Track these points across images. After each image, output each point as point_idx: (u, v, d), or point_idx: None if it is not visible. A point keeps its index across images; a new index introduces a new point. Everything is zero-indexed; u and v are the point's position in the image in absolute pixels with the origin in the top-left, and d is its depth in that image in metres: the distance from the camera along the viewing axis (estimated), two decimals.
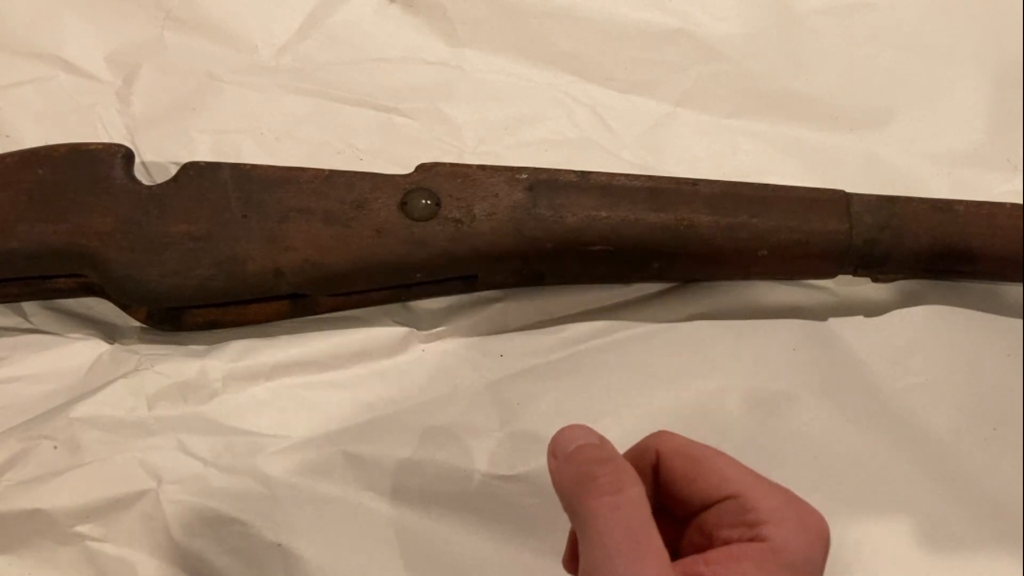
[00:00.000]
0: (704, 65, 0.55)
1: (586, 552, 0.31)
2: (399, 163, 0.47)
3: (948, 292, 0.49)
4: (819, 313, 0.49)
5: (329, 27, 0.55)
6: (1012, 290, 0.49)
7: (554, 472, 0.33)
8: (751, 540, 0.31)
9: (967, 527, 0.44)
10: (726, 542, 0.31)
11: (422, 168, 0.46)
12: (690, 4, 0.56)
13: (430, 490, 0.44)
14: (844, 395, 0.47)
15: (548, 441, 0.45)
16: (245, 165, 0.45)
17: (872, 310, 0.49)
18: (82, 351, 0.47)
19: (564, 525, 0.43)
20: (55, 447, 0.44)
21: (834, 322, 0.49)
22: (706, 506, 0.32)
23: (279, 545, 0.43)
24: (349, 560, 0.43)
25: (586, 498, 0.31)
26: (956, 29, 0.56)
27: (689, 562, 0.31)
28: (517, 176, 0.46)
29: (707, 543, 0.32)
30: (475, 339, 0.48)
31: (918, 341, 0.48)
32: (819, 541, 0.32)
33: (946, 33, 0.56)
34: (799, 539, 0.31)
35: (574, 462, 0.33)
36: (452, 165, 0.46)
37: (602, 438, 0.34)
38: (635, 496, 0.31)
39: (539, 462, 0.45)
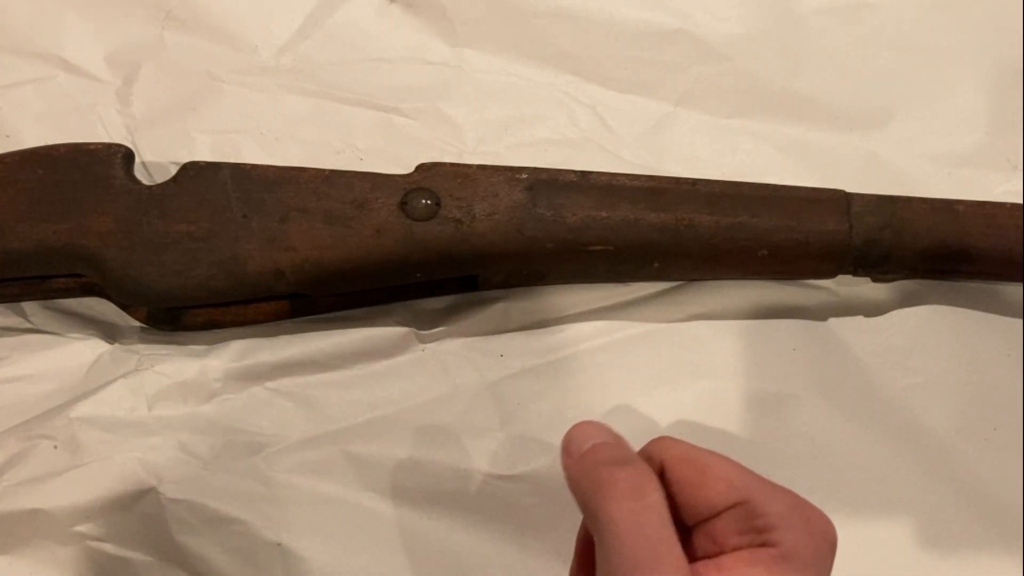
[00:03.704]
0: (704, 65, 0.55)
1: (604, 557, 0.30)
2: (399, 163, 0.47)
3: (948, 292, 0.49)
4: (819, 313, 0.49)
5: (329, 27, 0.55)
6: (1012, 290, 0.49)
7: (569, 471, 0.33)
8: (761, 546, 0.31)
9: (967, 527, 0.44)
10: (736, 548, 0.31)
11: (422, 168, 0.46)
12: (690, 4, 0.56)
13: (430, 490, 0.44)
14: (844, 395, 0.47)
15: (548, 441, 0.45)
16: (245, 165, 0.45)
17: (872, 310, 0.49)
18: (82, 351, 0.47)
19: (564, 525, 0.43)
20: (55, 447, 0.44)
21: (834, 322, 0.49)
22: (714, 513, 0.32)
23: (279, 545, 0.43)
24: (349, 560, 0.43)
25: (606, 503, 0.30)
26: (956, 29, 0.56)
27: (701, 567, 0.31)
28: (517, 176, 0.46)
29: (716, 549, 0.32)
30: (475, 339, 0.48)
31: (918, 341, 0.48)
32: (827, 543, 0.32)
33: (946, 33, 0.56)
34: (808, 543, 0.31)
35: (590, 462, 0.32)
36: (452, 165, 0.46)
37: (618, 436, 0.33)
38: (656, 502, 0.31)
39: (539, 462, 0.45)
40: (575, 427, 0.34)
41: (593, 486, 0.31)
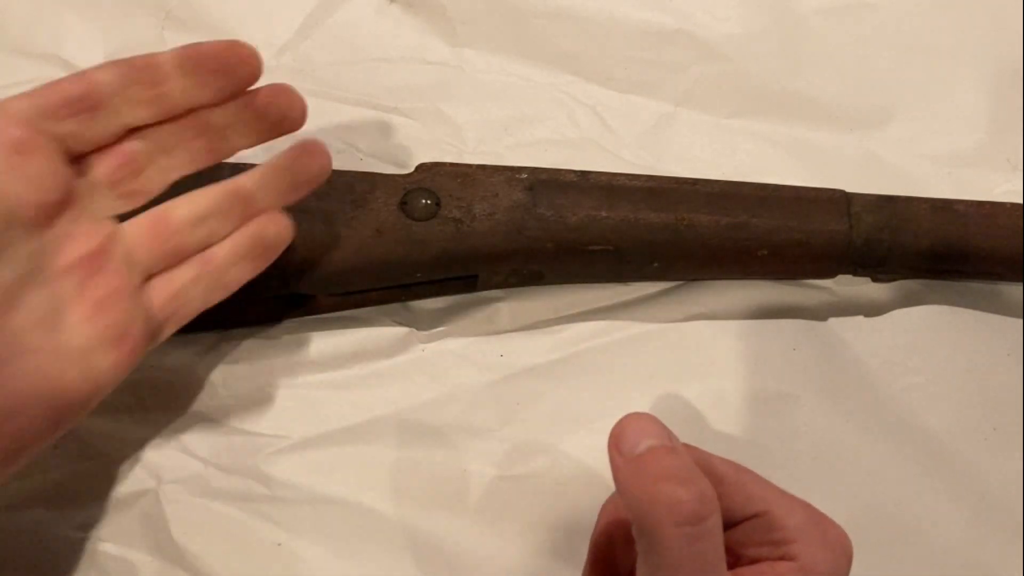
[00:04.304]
0: (704, 65, 0.55)
1: (649, 572, 0.30)
2: (399, 163, 0.47)
3: (948, 292, 0.49)
4: (819, 313, 0.49)
5: (329, 27, 0.55)
6: (1012, 290, 0.49)
7: (619, 472, 0.31)
8: (780, 559, 0.31)
9: (967, 527, 0.44)
10: (754, 560, 0.31)
11: (422, 168, 0.46)
12: (690, 4, 0.56)
13: (430, 490, 0.44)
14: (844, 395, 0.47)
15: (548, 441, 0.45)
16: (245, 165, 0.45)
17: (872, 310, 0.49)
18: None
19: (564, 525, 0.43)
20: (55, 447, 0.44)
21: (834, 322, 0.49)
22: (732, 524, 0.32)
23: (279, 545, 0.43)
24: (349, 560, 0.43)
25: (662, 524, 0.29)
26: (956, 29, 0.56)
27: None
28: (517, 176, 0.46)
29: (733, 560, 0.32)
30: (475, 339, 0.48)
31: (918, 341, 0.48)
32: (844, 557, 0.32)
33: (946, 33, 0.56)
34: (825, 556, 0.31)
35: (648, 474, 0.30)
36: (452, 165, 0.46)
37: (672, 436, 0.32)
38: (713, 526, 0.30)
39: (539, 462, 0.45)
40: (626, 420, 0.32)
41: (650, 501, 0.30)
